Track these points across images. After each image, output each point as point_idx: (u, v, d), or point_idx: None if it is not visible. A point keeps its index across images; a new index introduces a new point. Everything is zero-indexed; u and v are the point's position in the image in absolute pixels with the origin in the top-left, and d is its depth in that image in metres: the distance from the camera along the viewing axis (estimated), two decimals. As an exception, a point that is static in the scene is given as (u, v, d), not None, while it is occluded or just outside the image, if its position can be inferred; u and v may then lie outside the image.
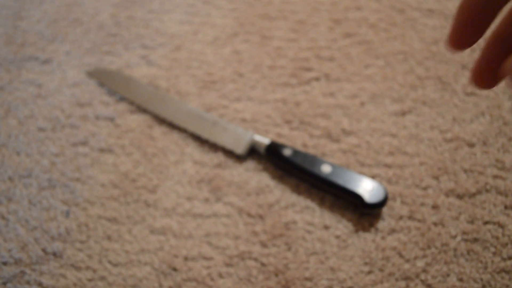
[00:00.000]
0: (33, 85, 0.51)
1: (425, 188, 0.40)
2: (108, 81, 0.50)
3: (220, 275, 0.36)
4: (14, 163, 0.44)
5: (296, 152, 0.41)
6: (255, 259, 0.37)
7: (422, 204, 0.39)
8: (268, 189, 0.41)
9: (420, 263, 0.36)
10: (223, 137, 0.44)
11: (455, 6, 0.56)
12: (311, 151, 0.43)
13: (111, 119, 0.46)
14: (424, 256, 0.36)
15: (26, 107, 0.49)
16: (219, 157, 0.43)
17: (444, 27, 0.54)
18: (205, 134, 0.44)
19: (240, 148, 0.43)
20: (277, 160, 0.42)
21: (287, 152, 0.41)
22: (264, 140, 0.42)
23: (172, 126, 0.46)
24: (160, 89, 0.49)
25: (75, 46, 0.54)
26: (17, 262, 0.39)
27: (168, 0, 0.58)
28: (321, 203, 0.40)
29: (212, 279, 0.36)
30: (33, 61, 0.53)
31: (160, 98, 0.47)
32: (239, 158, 0.43)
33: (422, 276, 0.35)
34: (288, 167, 0.41)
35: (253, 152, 0.43)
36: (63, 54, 0.53)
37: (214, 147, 0.44)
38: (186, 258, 0.37)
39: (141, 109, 0.47)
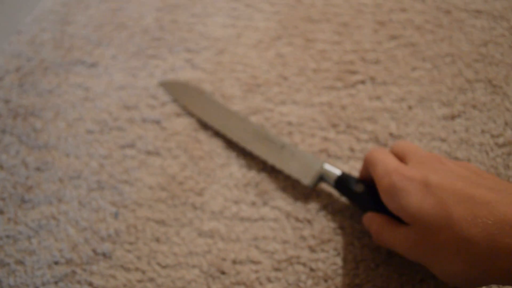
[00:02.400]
0: (80, 88, 0.52)
1: (477, 195, 0.39)
2: (178, 93, 0.49)
3: (269, 280, 0.36)
4: (63, 164, 0.46)
5: (368, 187, 0.36)
6: (304, 264, 0.36)
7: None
8: (316, 194, 0.40)
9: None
10: (290, 164, 0.40)
11: (503, 7, 0.54)
12: (358, 155, 0.42)
13: (158, 122, 0.47)
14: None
15: (75, 110, 0.50)
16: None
17: (493, 28, 0.52)
18: (271, 159, 0.41)
19: (308, 178, 0.39)
20: (346, 194, 0.38)
21: (358, 188, 0.36)
22: (335, 171, 0.38)
23: (238, 147, 0.44)
24: (227, 107, 0.47)
25: (120, 50, 0.55)
26: (68, 262, 0.39)
27: (210, 4, 0.59)
28: (370, 208, 0.39)
29: (260, 283, 0.36)
30: (80, 65, 0.54)
31: (227, 116, 0.45)
32: (305, 189, 0.41)
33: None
34: (358, 202, 0.37)
35: (321, 181, 0.39)
36: (109, 58, 0.54)
37: (260, 150, 0.44)
38: (234, 262, 0.37)
39: (208, 127, 0.47)
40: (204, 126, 0.46)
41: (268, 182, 0.41)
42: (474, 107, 0.45)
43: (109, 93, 0.51)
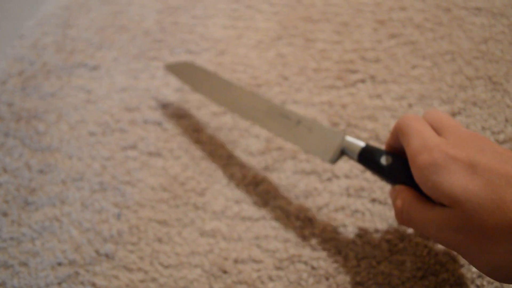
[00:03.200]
0: (83, 91, 0.52)
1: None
2: (184, 75, 0.47)
3: (270, 278, 0.36)
4: (66, 166, 0.46)
5: (396, 159, 0.33)
6: (305, 263, 0.37)
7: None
8: (317, 192, 0.40)
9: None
10: (308, 140, 0.37)
11: (503, 4, 0.54)
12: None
13: (159, 124, 0.47)
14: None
15: (77, 112, 0.50)
16: (267, 160, 0.43)
17: (493, 26, 0.52)
18: (287, 136, 0.38)
19: (328, 154, 0.36)
20: (372, 167, 0.34)
21: (386, 161, 0.33)
22: (358, 143, 0.35)
23: (253, 123, 0.42)
24: (236, 83, 0.45)
25: (122, 52, 0.55)
26: (71, 263, 0.40)
27: (211, 5, 0.59)
28: (372, 206, 0.39)
29: (262, 282, 0.36)
30: (83, 68, 0.55)
31: (237, 93, 0.43)
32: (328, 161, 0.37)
33: (478, 282, 0.34)
34: (385, 176, 0.33)
35: (343, 155, 0.36)
36: (111, 60, 0.55)
37: (261, 150, 0.44)
38: (236, 261, 0.37)
39: (218, 106, 0.46)
40: (205, 126, 0.47)
41: (269, 181, 0.42)
42: (474, 104, 0.45)
43: (111, 95, 0.51)
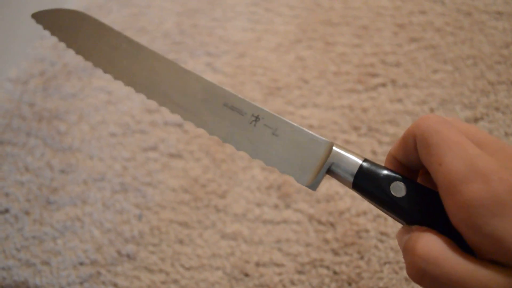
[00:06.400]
0: (103, 92, 0.53)
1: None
2: (61, 27, 0.32)
3: (292, 282, 0.36)
4: (88, 167, 0.46)
5: (413, 187, 0.22)
6: (327, 267, 0.37)
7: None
8: (338, 196, 0.40)
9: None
10: (274, 150, 0.25)
11: (525, 8, 0.54)
12: (380, 158, 0.42)
13: (180, 125, 0.48)
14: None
15: (98, 113, 0.51)
16: (288, 164, 0.43)
17: (515, 30, 0.52)
18: (239, 142, 0.26)
19: (306, 173, 0.24)
20: (373, 196, 0.23)
21: (397, 190, 0.22)
22: (352, 158, 0.24)
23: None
24: (145, 46, 0.31)
25: (142, 54, 0.56)
26: (93, 262, 0.40)
27: (230, 8, 0.59)
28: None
29: (284, 286, 0.36)
30: (103, 69, 0.55)
31: (151, 62, 0.29)
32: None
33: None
34: (393, 209, 0.22)
35: (329, 174, 0.25)
36: (131, 62, 0.55)
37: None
38: (257, 264, 0.38)
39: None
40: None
41: (290, 184, 0.42)
42: (497, 109, 0.45)
43: (132, 97, 0.51)
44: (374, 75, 0.49)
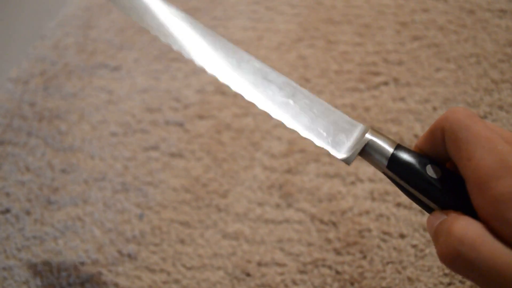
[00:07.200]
0: (104, 92, 0.52)
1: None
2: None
3: (294, 282, 0.36)
4: (88, 166, 0.46)
5: (447, 172, 0.23)
6: (329, 267, 0.36)
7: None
8: (341, 196, 0.40)
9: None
10: (311, 119, 0.27)
11: (528, 6, 0.53)
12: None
13: (181, 124, 0.47)
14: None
15: (99, 113, 0.50)
16: (289, 163, 0.43)
17: (518, 28, 0.51)
18: (277, 113, 0.27)
19: (343, 147, 0.25)
20: (407, 179, 0.24)
21: (433, 172, 0.23)
22: (387, 142, 0.24)
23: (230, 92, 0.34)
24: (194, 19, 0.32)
25: (142, 54, 0.56)
26: (94, 262, 0.40)
27: (231, 7, 0.59)
28: (397, 211, 0.39)
29: (286, 286, 0.36)
30: (104, 68, 0.55)
31: (201, 36, 0.30)
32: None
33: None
34: (427, 193, 0.23)
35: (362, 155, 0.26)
36: (132, 61, 0.55)
37: (284, 152, 0.44)
38: (259, 264, 0.37)
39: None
40: (228, 127, 0.46)
41: (292, 183, 0.41)
42: (500, 108, 0.44)
43: (132, 96, 0.51)
44: (377, 74, 0.49)
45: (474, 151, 0.20)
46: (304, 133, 0.26)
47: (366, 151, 0.25)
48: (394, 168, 0.24)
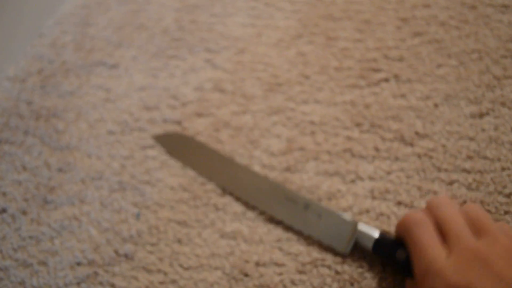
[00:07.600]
0: (102, 90, 0.52)
1: (508, 195, 0.38)
2: (173, 147, 0.45)
3: (293, 282, 0.35)
4: (85, 165, 0.46)
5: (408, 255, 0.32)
6: (329, 267, 0.36)
7: (506, 212, 0.37)
8: (340, 194, 0.39)
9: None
10: (319, 228, 0.36)
11: (531, 1, 0.52)
12: (383, 155, 0.41)
13: (179, 123, 0.47)
14: None
15: (96, 111, 0.50)
16: (289, 161, 0.42)
17: (521, 24, 0.50)
18: (295, 224, 0.37)
19: (342, 243, 0.35)
20: (386, 259, 0.35)
21: (401, 255, 0.32)
22: (371, 232, 0.34)
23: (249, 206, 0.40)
24: (234, 160, 0.42)
25: (141, 51, 0.55)
26: (90, 262, 0.39)
27: (230, 4, 0.58)
28: (397, 209, 0.38)
29: (284, 286, 0.35)
30: (101, 66, 0.54)
31: (236, 172, 0.41)
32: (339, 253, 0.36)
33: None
34: (400, 269, 0.33)
35: (357, 244, 0.35)
36: (130, 59, 0.54)
37: (283, 150, 0.43)
38: (257, 264, 0.37)
39: (212, 182, 0.42)
40: (226, 125, 0.46)
41: (291, 182, 0.41)
42: (503, 104, 0.43)
43: (130, 94, 0.51)
44: (377, 70, 0.48)
45: (415, 254, 0.30)
46: (314, 237, 0.37)
47: (358, 241, 0.35)
48: (376, 252, 0.34)
